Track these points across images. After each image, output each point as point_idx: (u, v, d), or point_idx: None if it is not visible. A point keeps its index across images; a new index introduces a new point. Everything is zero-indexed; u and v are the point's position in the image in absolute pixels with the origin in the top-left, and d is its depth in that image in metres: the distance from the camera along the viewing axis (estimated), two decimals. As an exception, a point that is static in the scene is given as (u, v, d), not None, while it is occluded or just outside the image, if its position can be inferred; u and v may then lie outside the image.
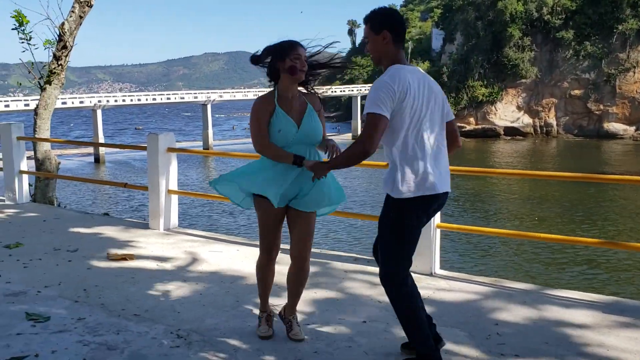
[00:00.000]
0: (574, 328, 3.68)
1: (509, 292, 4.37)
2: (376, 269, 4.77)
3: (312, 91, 3.59)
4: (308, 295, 4.29)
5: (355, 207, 25.10)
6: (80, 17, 6.58)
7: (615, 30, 54.82)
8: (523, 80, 57.57)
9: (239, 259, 5.27)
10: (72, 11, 7.95)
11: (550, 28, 57.45)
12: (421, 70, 3.14)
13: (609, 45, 55.18)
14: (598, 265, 15.91)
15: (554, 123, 57.25)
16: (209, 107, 56.72)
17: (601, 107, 55.26)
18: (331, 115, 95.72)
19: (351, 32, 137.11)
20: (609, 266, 15.83)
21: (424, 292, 4.32)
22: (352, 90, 69.24)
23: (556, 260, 16.52)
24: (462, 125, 58.05)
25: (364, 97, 68.64)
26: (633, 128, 54.52)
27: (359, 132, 62.31)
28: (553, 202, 25.09)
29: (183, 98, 60.40)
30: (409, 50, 75.54)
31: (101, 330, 3.70)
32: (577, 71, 56.12)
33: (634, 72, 54.31)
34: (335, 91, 74.01)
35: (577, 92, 56.13)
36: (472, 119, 58.44)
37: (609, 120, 55.05)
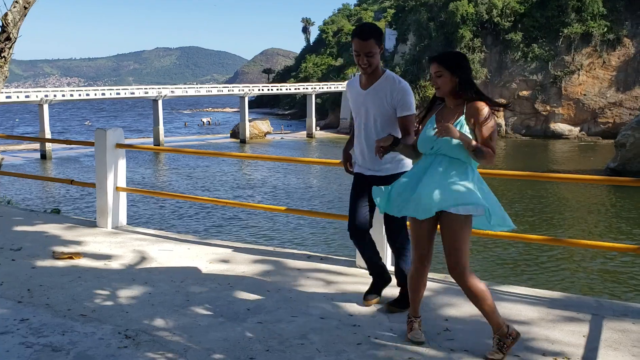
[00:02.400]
0: (521, 323, 3.76)
1: (458, 288, 4.43)
2: (330, 267, 4.79)
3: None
4: (262, 293, 4.27)
5: (317, 205, 25.14)
6: (25, 7, 6.35)
7: (561, 34, 56.56)
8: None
9: (189, 257, 5.19)
10: (16, 1, 7.67)
11: (500, 30, 58.83)
12: None
13: (555, 48, 56.88)
14: (544, 261, 16.37)
15: (503, 123, 58.64)
16: (160, 102, 55.83)
17: (548, 108, 56.94)
18: (285, 113, 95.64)
19: (305, 30, 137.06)
20: (552, 262, 16.31)
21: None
22: (307, 89, 69.26)
23: (504, 257, 16.92)
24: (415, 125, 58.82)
25: (318, 95, 68.89)
26: (578, 128, 56.36)
27: (314, 130, 62.62)
28: (504, 200, 25.68)
29: (133, 93, 59.21)
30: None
31: (46, 331, 3.58)
32: (525, 72, 57.66)
33: (579, 75, 56.16)
34: (289, 89, 73.95)
35: (525, 93, 57.67)
36: (424, 119, 59.26)
37: (555, 120, 56.76)
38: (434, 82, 3.41)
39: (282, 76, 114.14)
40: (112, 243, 5.64)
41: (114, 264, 4.97)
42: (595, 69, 56.25)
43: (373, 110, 3.80)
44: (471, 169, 3.29)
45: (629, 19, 55.58)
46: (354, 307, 4.00)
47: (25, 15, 7.99)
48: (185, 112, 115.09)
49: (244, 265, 4.95)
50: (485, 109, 3.25)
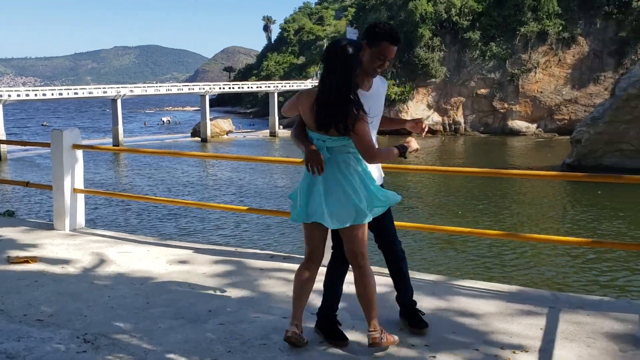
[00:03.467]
0: (480, 317, 3.83)
1: (418, 283, 4.48)
2: (292, 266, 4.78)
3: None
4: (222, 294, 4.24)
5: (284, 204, 25.06)
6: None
7: (518, 32, 57.66)
8: (433, 80, 59.46)
9: (149, 259, 5.13)
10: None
11: (459, 29, 59.65)
12: None
13: (512, 46, 57.96)
14: (501, 256, 16.68)
15: (462, 121, 59.52)
16: (119, 102, 54.86)
17: (505, 105, 57.98)
18: (248, 111, 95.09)
19: (267, 28, 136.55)
20: (511, 256, 16.63)
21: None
22: (269, 87, 69.03)
23: (461, 252, 17.17)
24: (376, 122, 59.26)
25: (281, 94, 68.69)
26: (534, 125, 57.56)
27: (277, 128, 62.40)
28: (462, 196, 26.09)
29: (92, 93, 58.00)
30: (324, 48, 76.25)
31: (0, 337, 3.49)
32: (483, 71, 58.59)
33: (535, 73, 57.34)
34: (251, 87, 73.57)
35: (483, 91, 58.61)
36: (385, 117, 59.72)
37: (513, 118, 57.85)
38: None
39: (244, 74, 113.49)
40: (69, 246, 5.52)
41: (72, 267, 4.87)
42: (551, 67, 57.53)
43: (376, 111, 3.48)
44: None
45: (582, 18, 57.00)
46: (315, 307, 4.00)
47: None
48: (146, 111, 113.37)
49: (204, 266, 4.91)
50: None
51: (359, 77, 3.25)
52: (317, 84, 3.27)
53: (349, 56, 3.10)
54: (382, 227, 3.57)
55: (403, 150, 3.33)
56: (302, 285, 3.36)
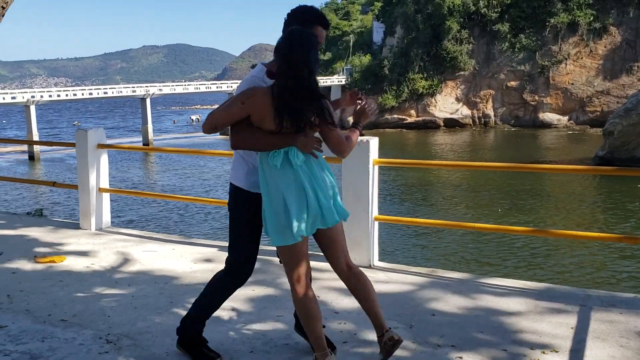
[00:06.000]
0: (508, 316, 3.73)
1: (445, 282, 4.41)
2: (316, 264, 4.72)
3: None
4: (245, 292, 4.20)
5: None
6: (3, 7, 6.23)
7: (547, 24, 56.65)
8: (461, 73, 58.78)
9: (173, 258, 5.12)
10: (-6, 2, 7.53)
11: (487, 21, 58.82)
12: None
13: (542, 38, 56.97)
14: (531, 253, 16.39)
15: (492, 114, 58.75)
16: (148, 101, 55.47)
17: (536, 97, 57.05)
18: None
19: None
20: (541, 253, 16.33)
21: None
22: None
23: (490, 249, 16.92)
24: (403, 117, 58.88)
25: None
26: (566, 117, 56.54)
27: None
28: (492, 191, 25.75)
29: (121, 92, 58.74)
30: (350, 44, 75.98)
31: (25, 338, 3.51)
32: (513, 63, 57.71)
33: (566, 64, 56.29)
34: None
35: (513, 83, 57.74)
36: (412, 111, 59.30)
37: (544, 110, 56.90)
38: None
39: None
40: (95, 245, 5.55)
41: (97, 267, 4.89)
42: (582, 58, 56.40)
43: None
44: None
45: (614, 8, 55.73)
46: (339, 305, 3.95)
47: (3, 16, 7.87)
48: (175, 109, 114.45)
49: (229, 265, 4.88)
50: None
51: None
52: (262, 81, 2.93)
53: (315, 43, 2.85)
54: None
55: (360, 128, 3.02)
56: (314, 309, 2.96)
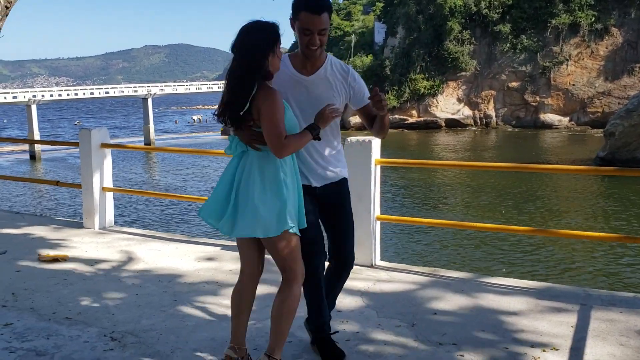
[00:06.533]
0: (509, 315, 3.76)
1: (447, 281, 4.44)
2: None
3: None
4: (248, 291, 4.23)
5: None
6: (7, 7, 6.27)
7: (549, 25, 56.62)
8: (463, 73, 58.74)
9: (177, 256, 5.16)
10: (-2, 2, 7.57)
11: (488, 22, 58.80)
12: None
13: (543, 38, 56.94)
14: (532, 253, 16.40)
15: (493, 114, 58.71)
16: (149, 101, 55.53)
17: (537, 98, 57.01)
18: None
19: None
20: (542, 252, 16.35)
21: (364, 284, 4.34)
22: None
23: (490, 249, 16.93)
24: (405, 117, 58.87)
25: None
26: (567, 118, 56.50)
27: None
28: (493, 191, 25.76)
29: (123, 92, 58.85)
30: (352, 44, 75.99)
31: (30, 335, 3.54)
32: (514, 64, 57.67)
33: (567, 65, 56.25)
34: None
35: (514, 84, 57.70)
36: (414, 112, 59.27)
37: (545, 111, 56.86)
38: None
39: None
40: (98, 244, 5.59)
41: (101, 265, 4.93)
42: (583, 58, 56.36)
43: (323, 100, 3.02)
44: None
45: (616, 9, 55.69)
46: (342, 303, 3.98)
47: (7, 15, 7.91)
48: (177, 109, 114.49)
49: (232, 263, 4.92)
50: None
51: (297, 59, 3.04)
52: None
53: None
54: None
55: (316, 132, 2.88)
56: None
